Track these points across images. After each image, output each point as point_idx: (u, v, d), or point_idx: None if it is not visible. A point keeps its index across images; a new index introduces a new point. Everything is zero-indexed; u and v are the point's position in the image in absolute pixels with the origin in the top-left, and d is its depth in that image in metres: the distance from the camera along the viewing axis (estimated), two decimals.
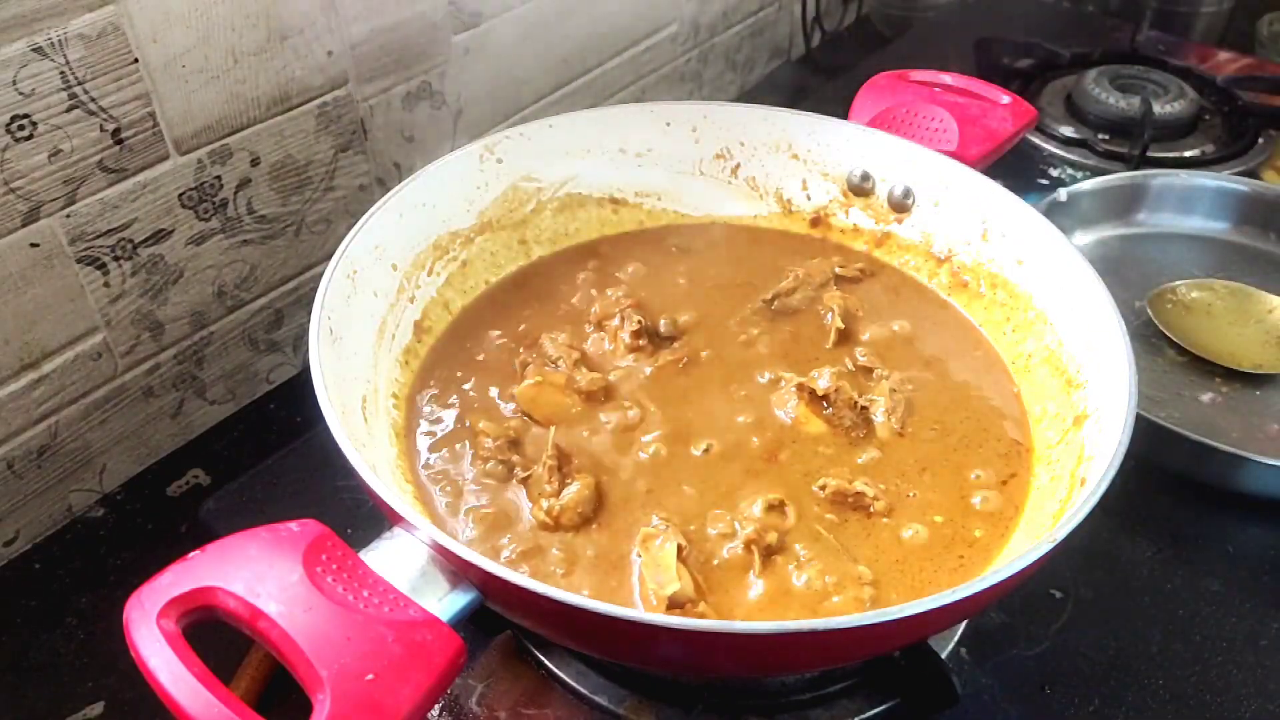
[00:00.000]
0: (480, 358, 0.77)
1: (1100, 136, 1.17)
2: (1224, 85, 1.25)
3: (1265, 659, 0.70)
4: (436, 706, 0.63)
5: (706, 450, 0.69)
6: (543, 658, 0.67)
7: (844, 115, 0.88)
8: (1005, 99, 0.88)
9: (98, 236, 0.76)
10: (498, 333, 0.79)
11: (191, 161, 0.79)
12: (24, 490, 0.79)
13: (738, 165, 0.89)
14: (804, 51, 1.50)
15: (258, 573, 0.49)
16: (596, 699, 0.65)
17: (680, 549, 0.61)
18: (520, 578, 0.50)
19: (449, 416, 0.72)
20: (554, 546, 0.63)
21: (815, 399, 0.71)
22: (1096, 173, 1.09)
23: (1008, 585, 0.51)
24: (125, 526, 0.83)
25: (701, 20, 1.26)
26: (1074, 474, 0.63)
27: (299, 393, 0.93)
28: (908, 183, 0.84)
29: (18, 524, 0.80)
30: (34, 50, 0.68)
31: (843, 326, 0.77)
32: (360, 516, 0.71)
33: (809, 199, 0.89)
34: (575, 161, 0.86)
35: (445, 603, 0.51)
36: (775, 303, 0.80)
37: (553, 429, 0.68)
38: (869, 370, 0.75)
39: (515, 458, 0.68)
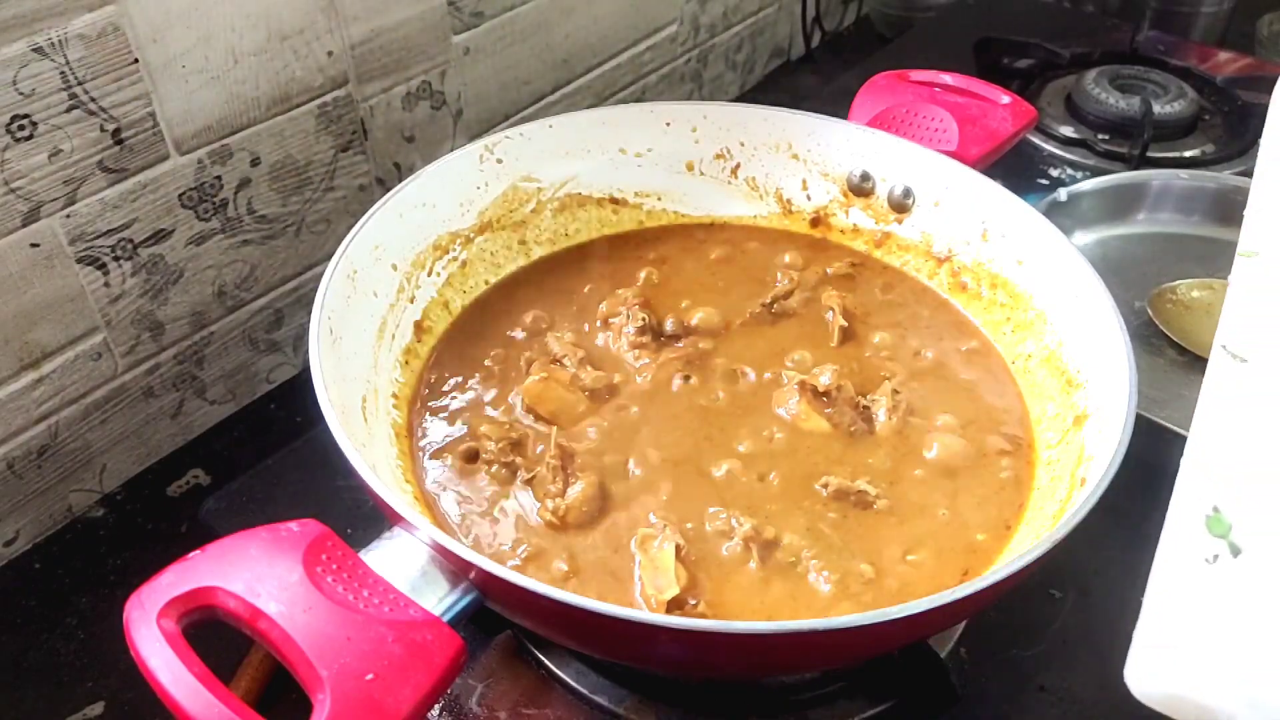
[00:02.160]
0: (481, 358, 0.77)
1: (1100, 136, 1.17)
2: (1224, 85, 1.25)
3: None
4: (436, 706, 0.63)
5: (708, 447, 0.69)
6: (543, 658, 0.67)
7: (844, 115, 0.88)
8: (1005, 99, 0.88)
9: (98, 236, 0.76)
10: (499, 333, 0.79)
11: (191, 161, 0.79)
12: (24, 490, 0.79)
13: (738, 165, 0.89)
14: (804, 51, 1.50)
15: (258, 573, 0.49)
16: (596, 699, 0.65)
17: (679, 548, 0.61)
18: (520, 578, 0.50)
19: (450, 417, 0.72)
20: (559, 546, 0.63)
21: (817, 397, 0.71)
22: (1096, 173, 1.09)
23: (1008, 585, 0.51)
24: (125, 526, 0.83)
25: (701, 20, 1.26)
26: (1074, 474, 0.63)
27: (299, 393, 0.93)
28: (908, 183, 0.84)
29: (18, 524, 0.80)
30: (34, 50, 0.68)
31: (845, 325, 0.78)
32: (360, 516, 0.71)
33: (809, 199, 0.89)
34: (575, 161, 0.86)
35: (445, 603, 0.51)
36: (774, 305, 0.80)
37: (555, 429, 0.68)
38: (871, 369, 0.75)
39: (518, 459, 0.68)
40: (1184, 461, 0.49)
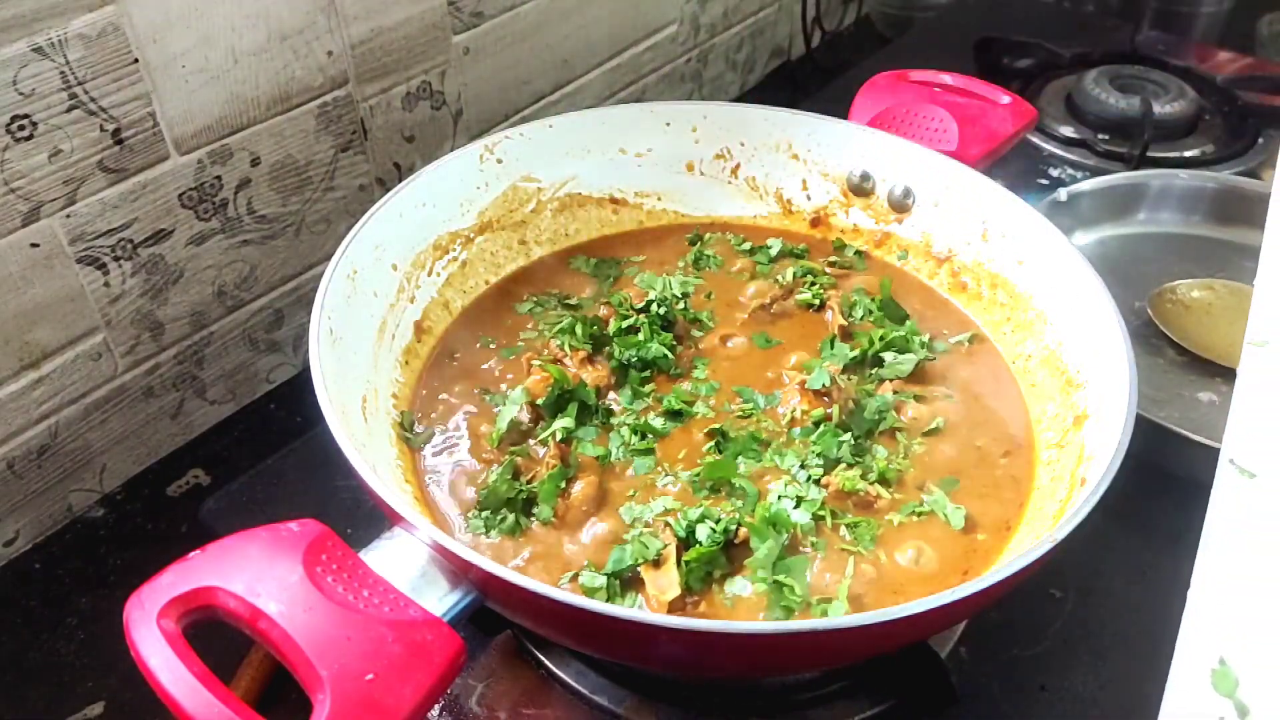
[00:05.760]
0: (480, 358, 0.77)
1: (1100, 136, 1.17)
2: (1224, 85, 1.25)
3: None
4: (436, 706, 0.63)
5: (708, 446, 0.69)
6: (543, 658, 0.67)
7: (844, 115, 0.88)
8: (1005, 99, 0.88)
9: (98, 236, 0.76)
10: (499, 332, 0.79)
11: (191, 161, 0.79)
12: (24, 490, 0.79)
13: (738, 165, 0.89)
14: (804, 51, 1.50)
15: (258, 573, 0.49)
16: (596, 699, 0.65)
17: (679, 548, 0.61)
18: (520, 578, 0.50)
19: (450, 417, 0.72)
20: (559, 545, 0.63)
21: (817, 396, 0.71)
22: (1096, 173, 1.09)
23: (1008, 585, 0.51)
24: (125, 526, 0.83)
25: (701, 20, 1.26)
26: (1074, 474, 0.63)
27: (299, 393, 0.93)
28: (908, 183, 0.84)
29: (18, 524, 0.80)
30: (34, 50, 0.68)
31: (845, 323, 0.77)
32: (360, 516, 0.71)
33: (809, 199, 0.89)
34: (575, 161, 0.86)
35: (445, 603, 0.51)
36: (774, 305, 0.80)
37: (555, 428, 0.68)
38: (870, 369, 0.75)
39: (518, 458, 0.68)
40: (1190, 598, 0.44)
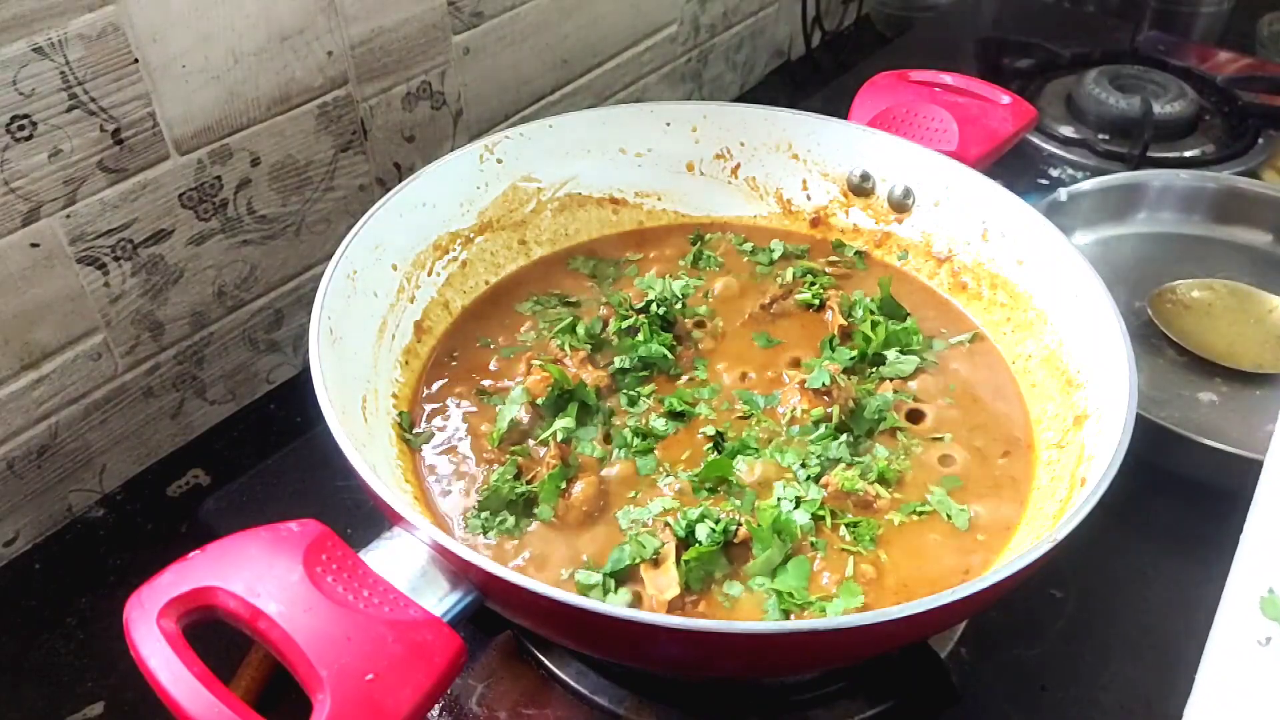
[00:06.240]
0: (481, 358, 0.77)
1: (1100, 136, 1.17)
2: (1224, 85, 1.25)
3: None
4: (436, 706, 0.63)
5: (708, 446, 0.69)
6: (543, 658, 0.67)
7: (844, 115, 0.88)
8: (1005, 99, 0.88)
9: (98, 236, 0.76)
10: (499, 333, 0.79)
11: (191, 161, 0.79)
12: (24, 490, 0.79)
13: (738, 165, 0.89)
14: (804, 51, 1.50)
15: (258, 573, 0.49)
16: (596, 699, 0.65)
17: (679, 548, 0.61)
18: (520, 578, 0.50)
19: (450, 417, 0.72)
20: (559, 545, 0.63)
21: (817, 396, 0.71)
22: (1096, 173, 1.09)
23: (1008, 585, 0.51)
24: (125, 526, 0.83)
25: (701, 20, 1.26)
26: (1074, 474, 0.63)
27: (299, 393, 0.93)
28: (908, 183, 0.84)
29: (18, 524, 0.80)
30: (34, 50, 0.68)
31: (845, 323, 0.77)
32: (360, 516, 0.71)
33: (809, 199, 0.89)
34: (575, 161, 0.86)
35: (445, 603, 0.51)
36: (774, 305, 0.80)
37: (556, 428, 0.68)
38: (870, 368, 0.75)
39: (518, 458, 0.68)
40: (1243, 536, 0.48)
